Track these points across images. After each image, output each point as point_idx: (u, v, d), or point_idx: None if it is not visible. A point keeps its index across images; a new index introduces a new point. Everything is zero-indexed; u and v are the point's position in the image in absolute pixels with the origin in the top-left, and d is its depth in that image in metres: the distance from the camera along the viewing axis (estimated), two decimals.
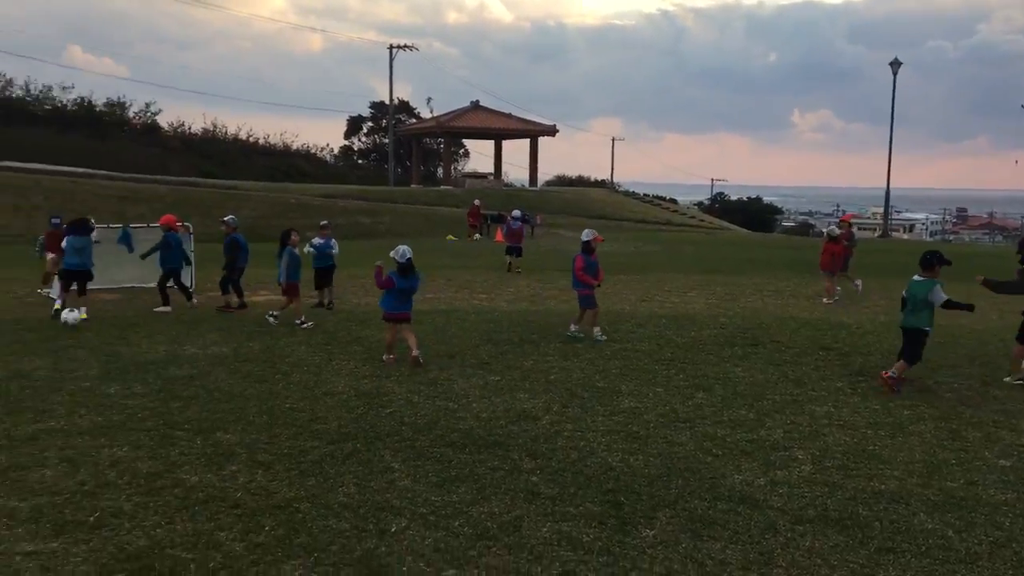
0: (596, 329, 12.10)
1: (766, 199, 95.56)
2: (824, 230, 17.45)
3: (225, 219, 15.32)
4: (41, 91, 61.69)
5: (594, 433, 7.55)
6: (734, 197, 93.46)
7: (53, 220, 16.52)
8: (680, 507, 5.82)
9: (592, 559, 4.99)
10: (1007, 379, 9.68)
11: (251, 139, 69.94)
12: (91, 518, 5.40)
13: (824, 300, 16.63)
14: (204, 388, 8.90)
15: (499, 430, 7.58)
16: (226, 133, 68.56)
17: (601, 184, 78.38)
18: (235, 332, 12.28)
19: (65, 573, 4.64)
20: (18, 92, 60.35)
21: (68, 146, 54.43)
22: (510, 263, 23.80)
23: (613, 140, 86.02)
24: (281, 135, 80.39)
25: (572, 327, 12.27)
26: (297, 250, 13.28)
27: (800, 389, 9.24)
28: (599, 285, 12.25)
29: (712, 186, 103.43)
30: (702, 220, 64.35)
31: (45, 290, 15.69)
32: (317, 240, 14.68)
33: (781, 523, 5.58)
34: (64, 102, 61.75)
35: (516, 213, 26.66)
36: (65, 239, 13.60)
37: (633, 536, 5.32)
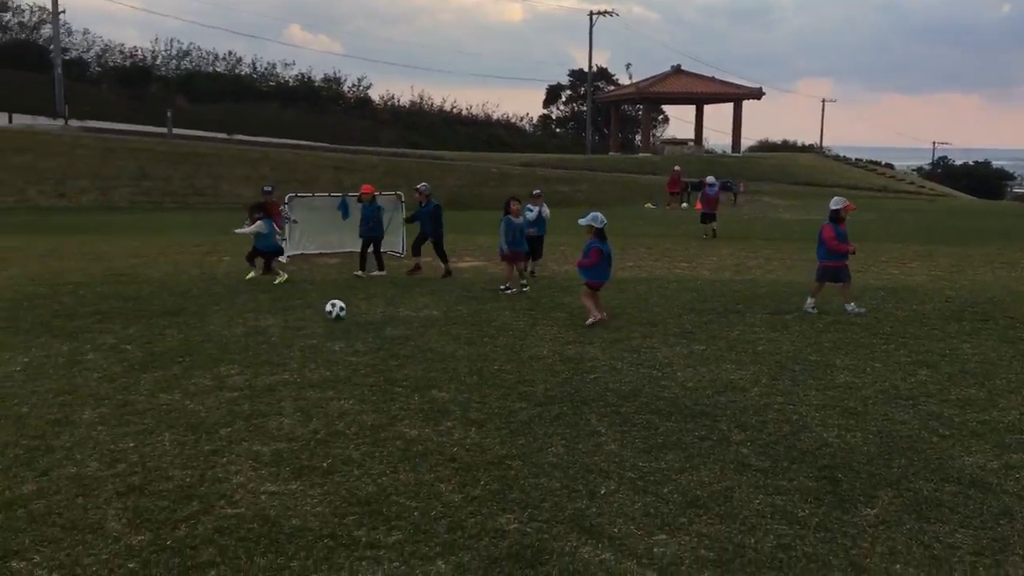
0: (850, 305, 11.35)
1: (995, 163, 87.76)
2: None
3: (418, 187, 15.46)
4: (266, 69, 66.19)
5: (807, 407, 7.30)
6: (958, 162, 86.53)
7: (265, 189, 17.47)
8: (903, 487, 5.54)
9: (808, 534, 4.85)
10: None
11: (454, 110, 72.10)
12: (324, 464, 5.84)
13: None
14: (418, 348, 9.34)
15: (705, 400, 7.49)
16: (432, 105, 70.99)
17: (809, 149, 74.81)
18: (445, 296, 12.79)
19: (304, 512, 5.05)
20: (246, 70, 65.02)
21: (290, 120, 58.31)
22: (708, 230, 23.41)
23: (823, 102, 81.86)
24: (482, 105, 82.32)
25: (809, 303, 11.53)
26: (520, 219, 13.31)
27: None
28: (854, 253, 11.55)
29: (934, 150, 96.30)
30: (922, 186, 60.11)
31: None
32: (529, 207, 14.69)
33: (1018, 510, 5.19)
34: (286, 78, 65.96)
35: (711, 180, 26.12)
36: (260, 222, 14.17)
37: (852, 514, 5.12)
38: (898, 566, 4.48)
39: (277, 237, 16.01)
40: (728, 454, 6.12)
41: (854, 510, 5.18)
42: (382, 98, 69.34)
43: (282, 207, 16.65)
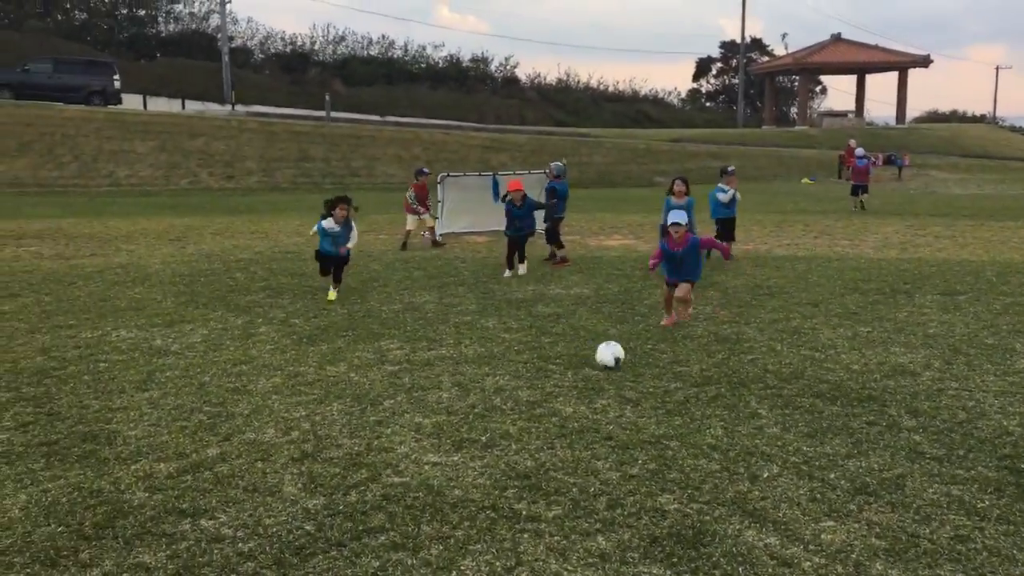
0: None
1: None
2: None
3: (551, 165, 14.74)
4: (417, 51, 67.77)
5: (984, 393, 6.88)
6: None
7: (423, 171, 16.90)
8: None
9: (988, 526, 4.58)
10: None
11: (601, 86, 71.62)
12: (483, 437, 5.97)
13: None
14: (570, 326, 9.38)
15: (873, 384, 7.18)
16: (578, 82, 70.81)
17: (980, 119, 70.03)
18: (595, 275, 12.78)
19: (466, 484, 5.18)
20: (398, 53, 66.74)
21: (439, 100, 59.52)
22: (857, 202, 22.62)
23: (997, 69, 76.34)
24: (629, 81, 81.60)
25: None
26: (682, 200, 12.31)
27: None
28: None
29: None
30: None
31: (425, 233, 17.38)
32: (722, 187, 14.21)
33: None
34: (436, 60, 67.30)
35: (860, 151, 25.05)
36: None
37: None
38: None
39: (425, 218, 16.20)
40: (899, 441, 5.85)
41: None
42: (528, 76, 69.78)
43: (438, 182, 16.96)
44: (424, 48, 68.32)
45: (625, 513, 4.78)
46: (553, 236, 13.91)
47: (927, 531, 4.54)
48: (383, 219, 20.58)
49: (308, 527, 4.61)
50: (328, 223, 11.00)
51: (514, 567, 4.19)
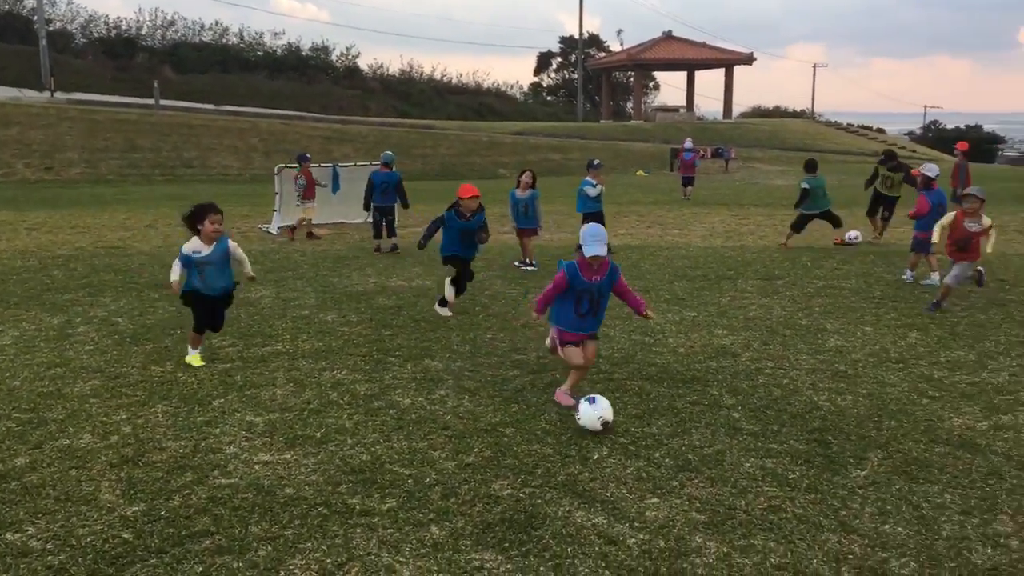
0: (934, 274, 10.96)
1: (986, 127, 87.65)
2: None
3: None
4: (253, 38, 65.56)
5: (797, 371, 7.34)
6: (950, 125, 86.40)
7: (305, 156, 16.29)
8: (893, 449, 5.58)
9: (799, 496, 4.90)
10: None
11: (444, 79, 71.57)
12: (318, 434, 5.85)
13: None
14: (411, 318, 9.34)
15: (697, 365, 7.52)
16: (421, 74, 70.46)
17: (800, 115, 74.56)
18: (437, 266, 12.76)
19: (298, 481, 5.07)
20: (233, 40, 64.36)
21: (278, 90, 57.84)
22: (687, 192, 24.02)
23: (815, 67, 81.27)
24: (473, 74, 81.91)
25: (908, 273, 11.30)
26: (524, 193, 12.52)
27: None
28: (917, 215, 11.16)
29: (925, 114, 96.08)
30: (914, 151, 60.04)
31: (263, 225, 16.89)
32: (590, 182, 13.67)
33: (1007, 469, 5.24)
34: (274, 48, 65.35)
35: (687, 144, 26.43)
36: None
37: (842, 476, 5.17)
38: (887, 526, 4.52)
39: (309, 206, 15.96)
40: (719, 418, 6.15)
41: (844, 472, 5.23)
42: (371, 67, 68.91)
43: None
44: (261, 35, 66.18)
45: (459, 501, 4.81)
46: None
47: (743, 503, 4.80)
48: None
49: (126, 535, 4.38)
50: (192, 246, 7.38)
51: (345, 563, 4.13)
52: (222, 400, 6.54)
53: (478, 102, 69.58)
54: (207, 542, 4.32)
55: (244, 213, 19.56)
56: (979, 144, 77.34)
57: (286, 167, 17.20)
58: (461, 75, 74.02)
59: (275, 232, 16.31)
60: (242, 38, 64.94)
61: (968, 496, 4.89)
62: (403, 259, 13.46)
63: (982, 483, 5.06)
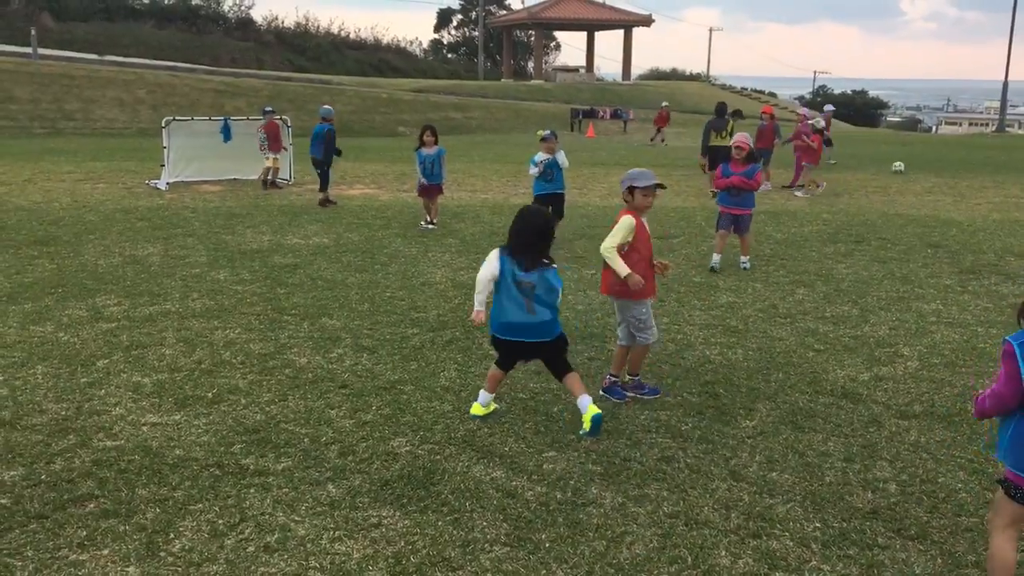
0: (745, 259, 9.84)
1: (872, 93, 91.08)
2: (812, 122, 17.41)
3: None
4: None
5: (691, 327, 7.51)
6: (837, 91, 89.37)
7: (266, 110, 16.82)
8: (780, 400, 5.79)
9: (691, 446, 5.03)
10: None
11: (343, 33, 69.82)
12: (209, 394, 5.69)
13: (812, 192, 16.80)
14: (308, 276, 9.15)
15: (595, 322, 7.62)
16: (318, 27, 68.53)
17: (696, 78, 75.85)
18: (336, 224, 12.54)
19: (188, 443, 4.92)
20: None
21: (167, 40, 55.40)
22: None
23: (710, 31, 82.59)
24: (372, 28, 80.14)
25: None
26: (430, 151, 12.20)
27: (907, 287, 8.98)
28: (720, 189, 9.73)
29: (814, 79, 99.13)
30: (828, 113, 61.86)
31: (152, 181, 16.23)
32: (541, 156, 11.09)
33: (885, 418, 5.50)
34: None
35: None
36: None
37: (732, 426, 5.33)
38: (774, 474, 4.69)
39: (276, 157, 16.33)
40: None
41: (734, 422, 5.39)
42: (265, 19, 66.53)
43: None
44: None
45: (357, 459, 4.76)
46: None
47: (638, 454, 4.90)
48: (102, 167, 18.93)
49: (3, 500, 4.17)
50: None
51: (238, 523, 4.04)
52: (107, 361, 6.28)
53: (377, 58, 68.17)
54: (91, 506, 4.15)
55: (131, 168, 18.74)
56: (864, 109, 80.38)
57: (175, 120, 16.55)
58: (360, 30, 72.59)
59: (164, 188, 15.70)
60: None
61: (850, 444, 5.10)
62: (299, 216, 13.16)
63: (863, 431, 5.29)
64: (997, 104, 59.95)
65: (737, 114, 17.70)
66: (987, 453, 4.96)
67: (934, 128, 78.93)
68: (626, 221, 5.63)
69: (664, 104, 36.76)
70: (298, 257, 10.13)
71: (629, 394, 5.82)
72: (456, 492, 4.39)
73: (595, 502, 4.33)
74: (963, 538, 4.06)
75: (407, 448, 4.92)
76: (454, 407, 5.57)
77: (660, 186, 5.80)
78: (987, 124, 66.54)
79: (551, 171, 11.01)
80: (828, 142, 20.55)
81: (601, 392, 5.83)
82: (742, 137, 9.57)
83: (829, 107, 25.16)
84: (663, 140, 34.19)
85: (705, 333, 7.33)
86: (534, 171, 11.06)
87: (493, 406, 5.50)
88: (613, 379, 5.90)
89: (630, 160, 24.78)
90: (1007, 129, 58.63)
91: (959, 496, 4.47)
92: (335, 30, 69.54)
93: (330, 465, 4.68)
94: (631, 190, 5.70)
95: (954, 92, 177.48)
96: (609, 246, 5.61)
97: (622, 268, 5.54)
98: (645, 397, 5.79)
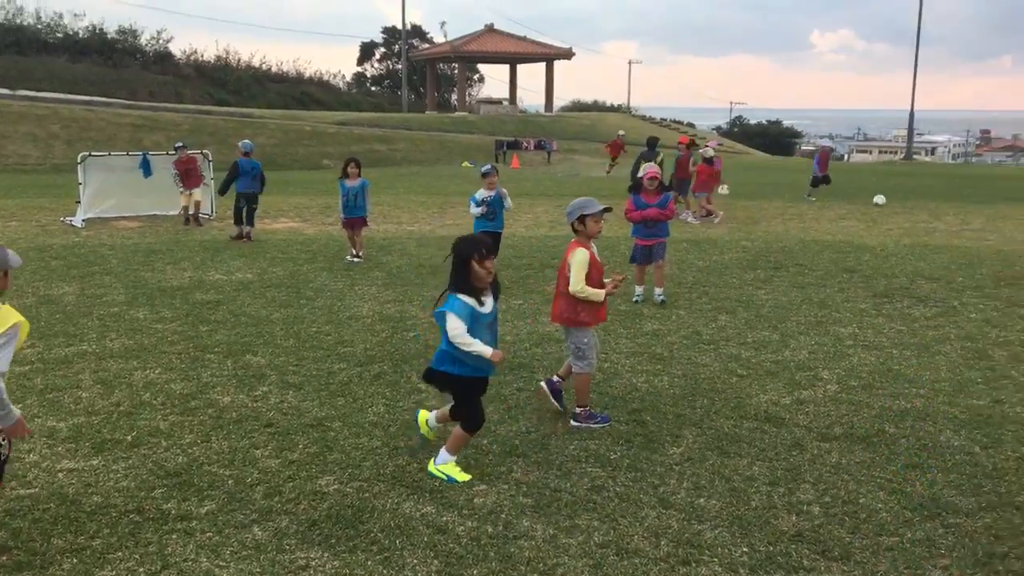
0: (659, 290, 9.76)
1: (786, 122, 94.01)
2: (701, 152, 17.68)
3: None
4: (52, 19, 60.98)
5: (618, 355, 7.60)
6: (753, 121, 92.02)
7: (176, 145, 16.29)
8: (706, 426, 5.88)
9: (620, 475, 5.07)
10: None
11: (264, 66, 69.12)
12: (129, 437, 5.52)
13: (693, 220, 17.04)
14: (231, 312, 8.99)
15: (523, 352, 7.65)
16: (239, 61, 67.75)
17: (618, 109, 77.28)
18: (259, 259, 12.35)
19: (107, 489, 4.76)
20: (29, 20, 59.65)
21: (82, 75, 54.12)
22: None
23: (630, 63, 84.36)
24: (294, 62, 79.54)
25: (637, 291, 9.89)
26: (352, 183, 12.15)
27: (824, 311, 9.24)
28: (647, 219, 9.52)
29: (731, 109, 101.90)
30: (720, 144, 63.54)
31: (67, 218, 15.77)
32: (482, 193, 10.66)
33: (807, 440, 5.63)
34: (76, 30, 61.01)
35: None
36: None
37: (660, 453, 5.40)
38: (702, 500, 4.75)
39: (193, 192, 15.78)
40: (545, 403, 6.27)
41: (662, 449, 5.46)
42: (184, 52, 65.49)
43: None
44: (61, 16, 61.32)
45: (283, 500, 4.66)
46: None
47: (568, 485, 4.92)
48: (13, 204, 18.32)
49: None
50: None
51: (160, 571, 3.92)
52: (20, 406, 6.03)
53: (300, 91, 67.60)
54: (3, 558, 3.97)
55: (45, 205, 18.17)
56: (780, 139, 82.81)
57: (91, 155, 16.15)
58: (282, 63, 71.58)
59: (80, 225, 15.26)
60: (39, 19, 60.15)
61: (774, 468, 5.21)
62: (222, 251, 12.93)
63: (787, 455, 5.41)
64: (905, 132, 62.52)
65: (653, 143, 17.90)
66: (905, 473, 5.12)
67: (846, 156, 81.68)
68: (582, 256, 5.81)
69: (620, 133, 36.92)
70: (221, 293, 9.94)
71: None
72: (386, 530, 4.34)
73: (526, 535, 4.32)
74: (884, 557, 4.17)
75: (335, 486, 4.84)
76: (383, 442, 5.51)
77: (607, 210, 6.03)
78: (896, 152, 69.28)
79: (494, 209, 10.60)
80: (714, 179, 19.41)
81: (574, 424, 5.86)
82: (654, 168, 9.72)
83: (713, 143, 24.63)
84: (607, 170, 34.16)
85: (631, 361, 7.42)
86: (476, 211, 10.55)
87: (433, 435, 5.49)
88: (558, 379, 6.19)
89: (555, 191, 25.06)
90: (914, 157, 61.14)
91: (880, 516, 4.59)
92: (256, 63, 68.77)
93: (256, 507, 4.57)
94: (582, 219, 5.81)
95: (864, 121, 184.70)
96: (580, 286, 5.79)
97: (599, 294, 5.83)
98: (597, 425, 5.85)
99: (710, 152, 17.75)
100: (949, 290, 10.27)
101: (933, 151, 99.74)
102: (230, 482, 4.88)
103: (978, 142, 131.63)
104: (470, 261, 4.79)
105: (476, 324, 4.82)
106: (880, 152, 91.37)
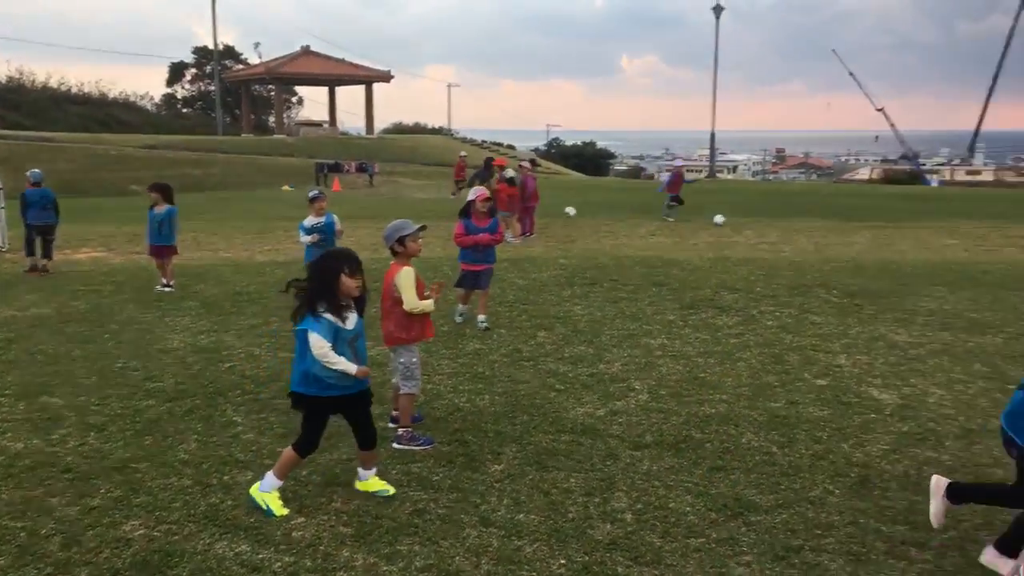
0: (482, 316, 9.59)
1: (600, 143, 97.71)
2: (503, 173, 17.56)
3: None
4: None
5: (440, 376, 7.63)
6: (569, 143, 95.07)
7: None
8: (525, 441, 6.00)
9: (442, 496, 5.08)
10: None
11: (63, 87, 65.06)
12: None
13: (512, 239, 16.66)
14: (25, 351, 8.36)
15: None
16: (34, 82, 63.45)
17: (439, 131, 77.88)
18: (59, 292, 11.56)
19: None
20: None
21: None
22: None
23: (449, 87, 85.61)
24: (97, 83, 75.01)
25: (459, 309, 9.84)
26: (159, 210, 11.74)
27: (636, 324, 9.65)
28: (488, 242, 9.34)
29: (547, 132, 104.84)
30: (538, 164, 65.20)
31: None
32: (311, 220, 10.40)
33: (620, 450, 5.85)
34: None
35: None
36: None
37: (481, 472, 5.45)
38: (522, 515, 4.84)
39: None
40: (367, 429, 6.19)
41: (483, 468, 5.52)
42: None
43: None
44: None
45: (83, 550, 4.37)
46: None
47: (390, 511, 4.88)
48: None
49: None
50: None
51: None
52: None
53: (104, 113, 64.00)
54: None
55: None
56: (594, 159, 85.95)
57: None
58: (83, 84, 67.34)
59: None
60: None
61: (590, 478, 5.38)
62: (15, 285, 12.01)
63: (601, 465, 5.60)
64: (707, 152, 66.49)
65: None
66: (710, 475, 5.41)
67: (655, 175, 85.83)
68: (408, 274, 6.02)
69: (462, 154, 36.68)
70: (13, 331, 9.23)
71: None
72: (196, 573, 4.15)
73: (346, 565, 4.25)
74: (692, 558, 4.39)
75: (141, 531, 4.59)
76: (194, 481, 5.27)
77: (423, 228, 6.23)
78: (700, 171, 73.50)
79: (326, 235, 10.28)
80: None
81: (397, 446, 5.86)
82: (484, 190, 9.73)
83: (525, 162, 24.40)
84: (453, 193, 33.57)
85: (454, 381, 7.47)
86: (306, 239, 10.27)
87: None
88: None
89: (377, 211, 24.93)
90: (717, 175, 65.08)
91: (688, 519, 4.83)
92: (54, 84, 64.67)
93: (52, 560, 4.26)
94: (401, 240, 5.97)
95: (671, 141, 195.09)
96: (415, 302, 5.97)
97: (430, 304, 6.07)
98: (420, 448, 5.84)
99: (509, 172, 17.62)
100: (749, 300, 10.96)
101: (735, 169, 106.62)
102: (23, 535, 4.52)
103: (774, 160, 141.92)
104: (340, 274, 4.77)
105: (337, 341, 4.78)
106: (687, 171, 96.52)
